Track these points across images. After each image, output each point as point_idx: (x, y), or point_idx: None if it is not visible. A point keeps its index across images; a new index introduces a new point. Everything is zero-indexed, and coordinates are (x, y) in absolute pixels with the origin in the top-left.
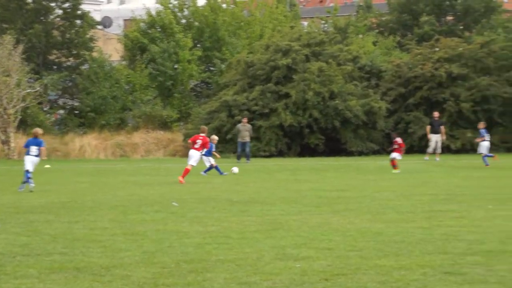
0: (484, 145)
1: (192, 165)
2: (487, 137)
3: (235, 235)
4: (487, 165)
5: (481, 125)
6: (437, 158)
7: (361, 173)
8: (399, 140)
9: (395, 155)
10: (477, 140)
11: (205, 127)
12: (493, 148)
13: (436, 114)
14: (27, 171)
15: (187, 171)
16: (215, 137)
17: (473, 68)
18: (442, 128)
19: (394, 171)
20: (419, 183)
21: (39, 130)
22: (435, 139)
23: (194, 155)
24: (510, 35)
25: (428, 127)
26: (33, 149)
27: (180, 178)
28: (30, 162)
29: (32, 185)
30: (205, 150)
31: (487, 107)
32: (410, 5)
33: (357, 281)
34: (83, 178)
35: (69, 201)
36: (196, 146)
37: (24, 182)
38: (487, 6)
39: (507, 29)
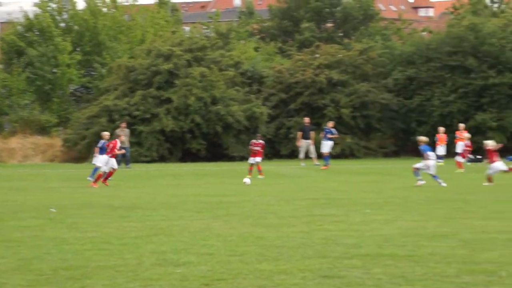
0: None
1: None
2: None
3: (115, 241)
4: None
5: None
6: (302, 164)
7: (243, 178)
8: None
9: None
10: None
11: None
12: (371, 153)
13: (306, 119)
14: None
15: (100, 176)
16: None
17: (353, 74)
18: (312, 133)
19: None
20: (300, 188)
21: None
22: (306, 145)
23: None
24: (387, 43)
25: (299, 133)
26: None
27: (92, 184)
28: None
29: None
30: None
31: (366, 113)
32: (290, 12)
33: (237, 285)
34: None
35: None
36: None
37: None
38: (366, 14)
39: (384, 36)
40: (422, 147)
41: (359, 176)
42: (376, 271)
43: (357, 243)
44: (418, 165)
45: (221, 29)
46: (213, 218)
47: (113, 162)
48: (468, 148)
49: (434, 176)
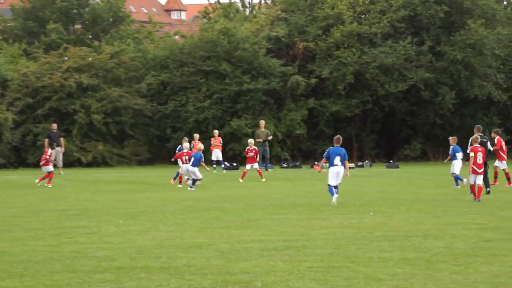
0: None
1: None
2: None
3: None
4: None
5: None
6: (61, 172)
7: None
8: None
9: None
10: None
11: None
12: (125, 161)
13: (54, 126)
14: None
15: None
16: None
17: (104, 78)
18: (62, 140)
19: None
20: (48, 199)
21: None
22: (55, 152)
23: None
24: (139, 46)
25: (46, 140)
26: None
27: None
28: None
29: None
30: None
31: (119, 119)
32: (36, 12)
33: None
34: None
35: None
36: None
37: None
38: (116, 16)
39: (136, 40)
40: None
41: (112, 185)
42: (129, 285)
43: (110, 256)
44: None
45: None
46: None
47: None
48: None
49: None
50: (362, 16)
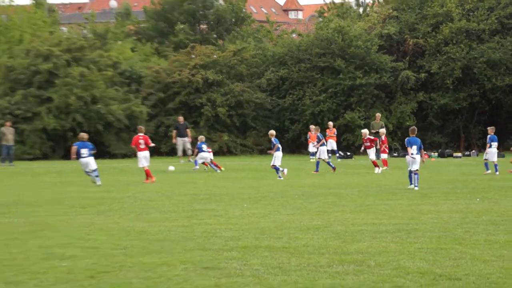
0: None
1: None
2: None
3: (1, 236)
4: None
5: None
6: (182, 161)
7: (125, 175)
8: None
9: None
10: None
11: (141, 127)
12: (248, 150)
13: (180, 118)
14: (93, 170)
15: (147, 172)
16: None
17: (227, 74)
18: (188, 131)
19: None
20: (180, 184)
21: (84, 135)
22: (182, 142)
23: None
24: (259, 44)
25: (174, 131)
26: (84, 151)
27: (146, 181)
28: (85, 163)
29: (99, 183)
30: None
31: (241, 111)
32: (166, 14)
33: (121, 277)
34: None
35: None
36: (142, 146)
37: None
38: (237, 17)
39: (256, 38)
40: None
41: (236, 172)
42: (254, 262)
43: (236, 236)
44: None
45: (98, 29)
46: (96, 213)
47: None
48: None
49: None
50: (471, 14)
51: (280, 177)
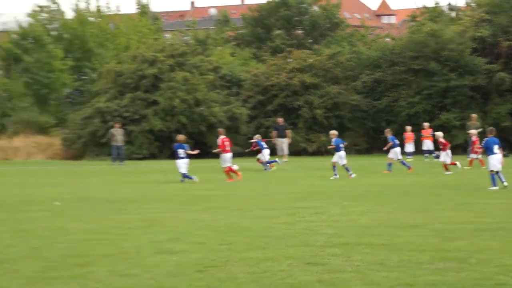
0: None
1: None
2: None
3: (115, 231)
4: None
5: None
6: (285, 160)
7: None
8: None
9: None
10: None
11: (221, 129)
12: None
13: (280, 120)
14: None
15: (230, 170)
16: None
17: (323, 77)
18: (288, 132)
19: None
20: (282, 183)
21: (182, 137)
22: (281, 143)
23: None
24: (354, 48)
25: (274, 132)
26: (181, 152)
27: (229, 180)
28: (182, 164)
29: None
30: None
31: (338, 113)
32: (263, 20)
33: (228, 272)
34: None
35: None
36: (227, 148)
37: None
38: (332, 22)
39: (351, 42)
40: None
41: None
42: (355, 258)
43: (337, 233)
44: None
45: (199, 36)
46: (203, 210)
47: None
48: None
49: None
50: None
51: (336, 175)
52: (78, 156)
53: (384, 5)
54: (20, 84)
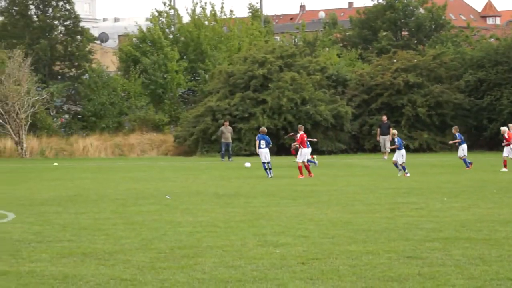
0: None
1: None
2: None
3: (222, 225)
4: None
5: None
6: (385, 157)
7: (331, 170)
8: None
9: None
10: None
11: (301, 126)
12: (447, 147)
13: (384, 118)
14: (267, 162)
15: (304, 166)
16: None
17: (427, 77)
18: (391, 129)
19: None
20: (382, 179)
21: (264, 129)
22: (383, 140)
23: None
24: (458, 48)
25: (378, 130)
26: (263, 143)
27: (302, 176)
28: (264, 154)
29: (270, 175)
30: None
31: (441, 111)
32: (369, 22)
33: (330, 264)
34: (87, 175)
35: (75, 195)
36: (306, 144)
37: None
38: (437, 23)
39: (455, 43)
40: None
41: (436, 168)
42: (455, 253)
43: (437, 228)
44: None
45: (308, 38)
46: (306, 205)
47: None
48: None
49: None
50: None
51: (407, 173)
52: (189, 152)
53: (489, 6)
54: (137, 85)
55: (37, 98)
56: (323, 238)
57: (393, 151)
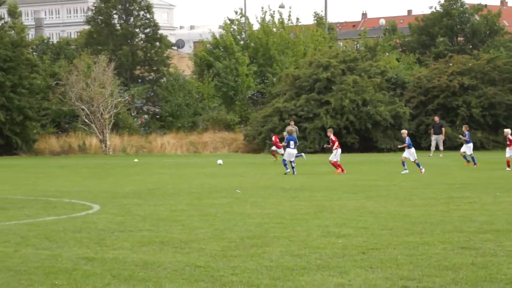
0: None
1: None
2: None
3: (288, 216)
4: (475, 164)
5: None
6: (441, 155)
7: (390, 166)
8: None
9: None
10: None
11: (331, 129)
12: (500, 146)
13: (436, 118)
14: (284, 160)
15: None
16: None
17: (481, 80)
18: (443, 129)
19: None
20: (438, 175)
21: (292, 129)
22: (435, 139)
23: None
24: (510, 53)
25: (432, 129)
26: (291, 144)
27: (338, 171)
28: (288, 154)
29: (288, 170)
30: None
31: (494, 112)
32: (427, 28)
33: (388, 254)
34: (164, 170)
35: (154, 189)
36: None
37: (293, 168)
38: (491, 29)
39: (508, 47)
40: None
41: (489, 165)
42: (507, 244)
43: (490, 220)
44: None
45: (369, 43)
46: (366, 198)
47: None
48: None
49: None
50: None
51: (406, 169)
52: (258, 150)
53: None
54: (210, 87)
55: (119, 99)
56: (382, 229)
57: (401, 150)
